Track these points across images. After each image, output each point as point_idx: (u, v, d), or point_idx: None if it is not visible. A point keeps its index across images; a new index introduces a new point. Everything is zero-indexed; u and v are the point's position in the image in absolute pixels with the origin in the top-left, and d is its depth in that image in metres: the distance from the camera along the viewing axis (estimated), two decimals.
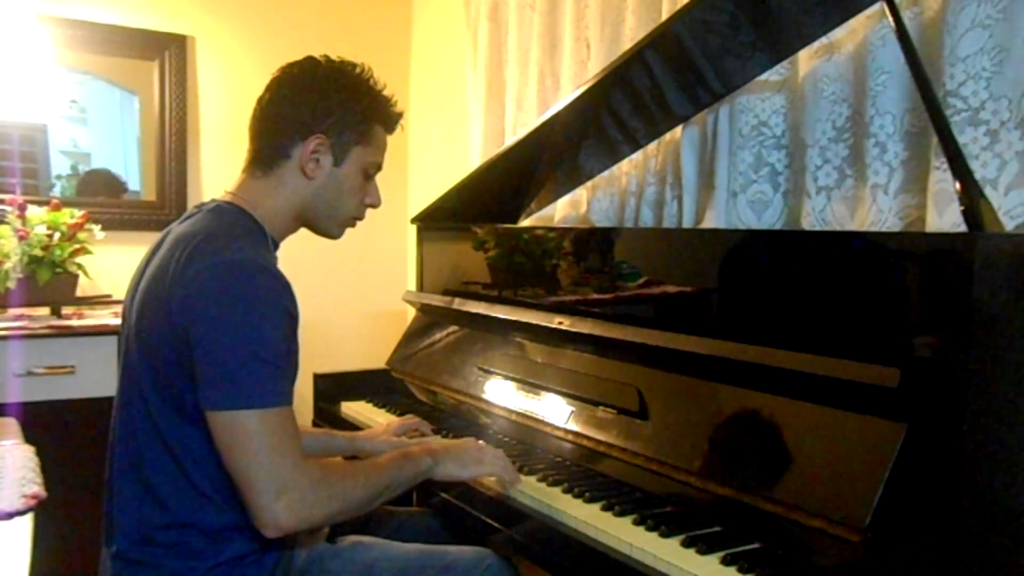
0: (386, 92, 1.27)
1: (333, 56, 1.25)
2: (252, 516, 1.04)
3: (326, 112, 1.19)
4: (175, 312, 1.06)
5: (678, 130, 1.72)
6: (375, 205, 1.30)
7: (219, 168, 2.71)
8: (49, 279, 2.17)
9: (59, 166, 2.55)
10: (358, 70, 1.25)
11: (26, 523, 1.16)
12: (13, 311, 2.21)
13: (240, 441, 1.03)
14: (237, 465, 1.03)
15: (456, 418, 1.68)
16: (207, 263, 1.07)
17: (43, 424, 1.86)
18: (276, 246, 1.24)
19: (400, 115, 1.30)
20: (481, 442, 1.33)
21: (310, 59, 1.24)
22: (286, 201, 1.22)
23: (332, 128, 1.20)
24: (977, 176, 1.11)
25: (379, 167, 1.29)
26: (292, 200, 1.22)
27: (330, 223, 1.26)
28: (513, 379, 1.55)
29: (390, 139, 1.30)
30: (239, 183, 1.24)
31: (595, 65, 1.95)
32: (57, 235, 2.20)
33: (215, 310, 1.05)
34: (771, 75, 1.53)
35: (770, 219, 1.57)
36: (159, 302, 1.09)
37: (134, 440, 1.13)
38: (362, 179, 1.26)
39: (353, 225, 1.30)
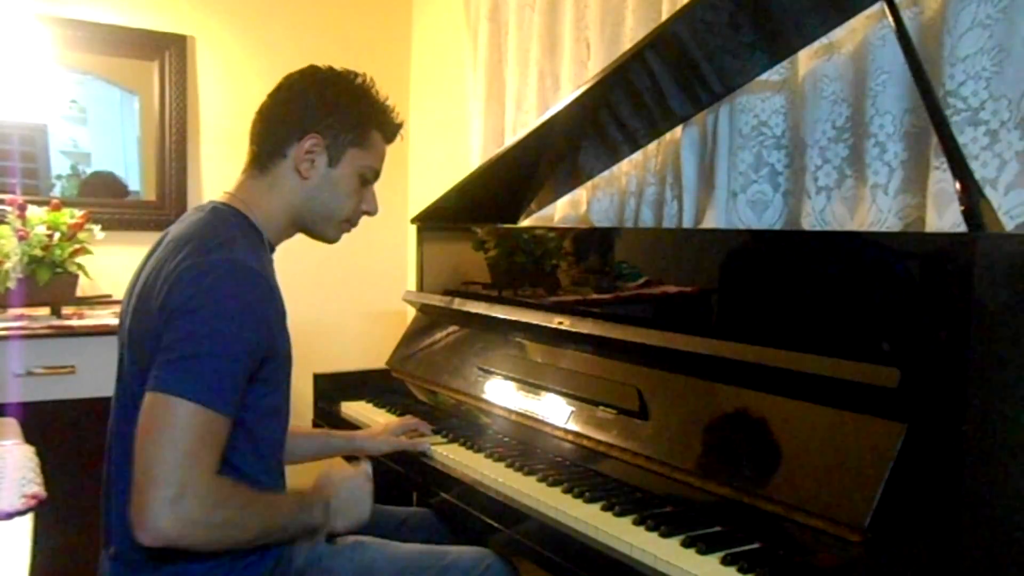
0: (388, 102, 1.28)
1: (336, 66, 1.26)
2: (134, 509, 0.97)
3: (323, 112, 1.20)
4: (155, 310, 1.06)
5: (678, 130, 1.72)
6: (371, 212, 1.30)
7: (219, 168, 2.71)
8: (49, 279, 2.16)
9: (59, 166, 2.55)
10: (359, 79, 1.26)
11: (26, 523, 1.15)
12: (13, 311, 2.20)
13: (162, 427, 0.98)
14: (147, 452, 0.98)
15: (456, 418, 1.68)
16: (193, 261, 1.06)
17: (43, 424, 1.86)
18: (272, 248, 1.24)
19: (400, 125, 1.30)
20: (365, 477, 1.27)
21: (312, 67, 1.26)
22: (281, 201, 1.22)
23: (328, 128, 1.20)
24: (977, 176, 1.11)
25: (377, 174, 1.29)
26: (287, 200, 1.22)
27: (325, 225, 1.26)
28: (513, 379, 1.55)
29: None
30: (237, 184, 1.25)
31: (595, 65, 1.95)
32: (57, 235, 2.19)
33: (187, 302, 1.04)
34: (771, 75, 1.53)
35: (770, 219, 1.57)
36: (149, 305, 1.09)
37: (132, 442, 1.12)
38: (358, 183, 1.26)
39: (348, 230, 1.30)
